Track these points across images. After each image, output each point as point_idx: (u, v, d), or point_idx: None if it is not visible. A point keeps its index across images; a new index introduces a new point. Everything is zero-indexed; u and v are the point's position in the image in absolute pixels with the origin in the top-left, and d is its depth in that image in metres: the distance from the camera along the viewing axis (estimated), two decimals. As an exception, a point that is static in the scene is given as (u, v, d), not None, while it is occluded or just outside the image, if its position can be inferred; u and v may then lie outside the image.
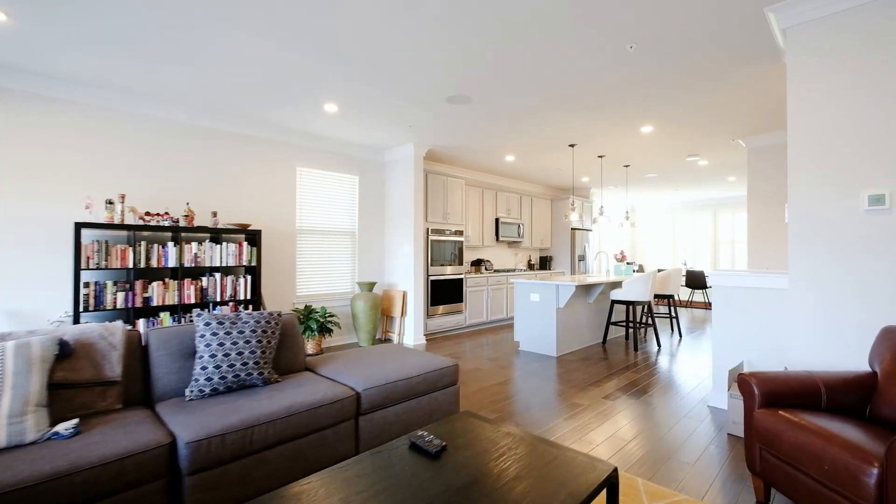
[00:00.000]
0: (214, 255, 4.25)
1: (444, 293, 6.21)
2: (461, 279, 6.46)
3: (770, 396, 2.02)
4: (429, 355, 3.00)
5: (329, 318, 5.23)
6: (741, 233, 10.30)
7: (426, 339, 5.93)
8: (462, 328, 6.56)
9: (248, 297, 4.47)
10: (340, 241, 5.76)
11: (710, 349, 5.41)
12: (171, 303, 4.01)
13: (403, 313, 5.78)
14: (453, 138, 5.38)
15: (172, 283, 4.02)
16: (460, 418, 2.12)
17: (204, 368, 2.23)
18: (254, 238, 4.56)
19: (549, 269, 8.58)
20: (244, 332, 2.38)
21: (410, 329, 5.72)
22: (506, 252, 8.26)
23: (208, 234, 4.40)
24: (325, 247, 5.60)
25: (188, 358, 2.34)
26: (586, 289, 5.46)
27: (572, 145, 5.67)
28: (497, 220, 7.54)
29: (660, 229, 11.63)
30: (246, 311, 2.65)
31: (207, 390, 2.20)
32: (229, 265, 4.34)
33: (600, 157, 6.32)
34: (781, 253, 5.09)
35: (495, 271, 7.38)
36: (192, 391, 2.19)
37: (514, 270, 7.69)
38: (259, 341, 2.41)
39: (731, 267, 10.40)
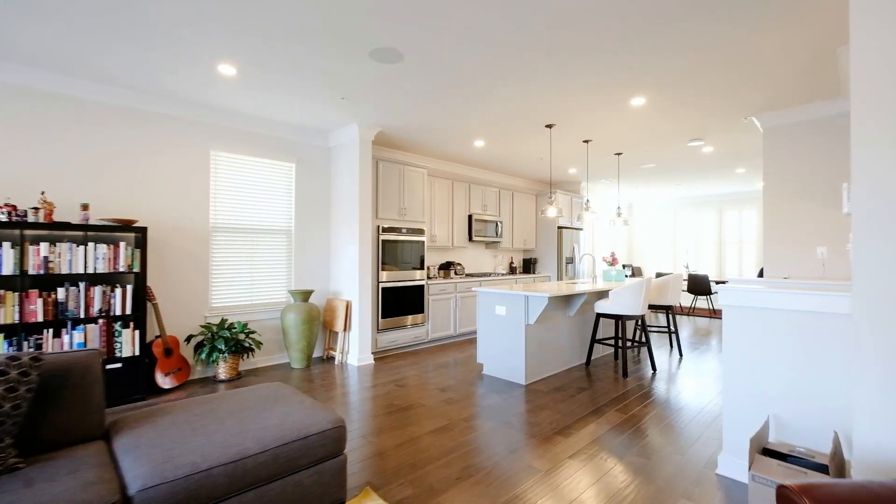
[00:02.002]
0: (77, 258, 3.29)
1: (400, 302, 5.24)
2: (422, 286, 5.49)
3: (846, 544, 1.04)
4: (310, 410, 2.03)
5: (249, 335, 4.28)
6: (749, 233, 9.30)
7: (374, 359, 4.97)
8: (423, 343, 5.59)
9: (129, 311, 3.52)
10: (272, 242, 4.80)
11: (717, 372, 4.43)
12: (8, 321, 3.05)
13: (347, 327, 4.81)
14: (403, 116, 4.41)
15: (11, 296, 3.07)
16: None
17: None
18: (139, 237, 3.60)
19: (533, 273, 7.60)
20: (-61, 393, 1.42)
21: (355, 346, 4.76)
22: (482, 254, 7.29)
23: (79, 233, 3.45)
24: (251, 248, 4.64)
25: None
26: (565, 300, 4.49)
27: (549, 126, 4.69)
28: (470, 217, 6.57)
29: (660, 229, 10.63)
30: (-41, 356, 1.66)
31: None
32: (100, 271, 3.38)
33: (586, 142, 5.35)
34: (807, 255, 4.10)
35: (467, 275, 6.41)
36: None
37: (490, 275, 6.72)
38: (-29, 407, 1.44)
39: (738, 271, 9.40)
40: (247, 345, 4.17)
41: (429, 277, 5.92)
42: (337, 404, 3.49)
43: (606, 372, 4.45)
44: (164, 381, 3.79)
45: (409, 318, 5.34)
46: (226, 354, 4.04)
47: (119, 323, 3.48)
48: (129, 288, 3.51)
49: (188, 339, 4.05)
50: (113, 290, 3.45)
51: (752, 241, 9.28)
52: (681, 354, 5.19)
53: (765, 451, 2.05)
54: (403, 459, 2.56)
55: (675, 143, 5.42)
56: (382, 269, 5.07)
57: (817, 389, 2.05)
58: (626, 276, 9.22)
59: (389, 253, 5.14)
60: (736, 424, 2.32)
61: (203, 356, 3.97)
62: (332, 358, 4.99)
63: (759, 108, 4.17)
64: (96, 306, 3.36)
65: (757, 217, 9.16)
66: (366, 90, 3.74)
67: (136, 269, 3.56)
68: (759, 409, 2.23)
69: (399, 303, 5.23)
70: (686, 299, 10.03)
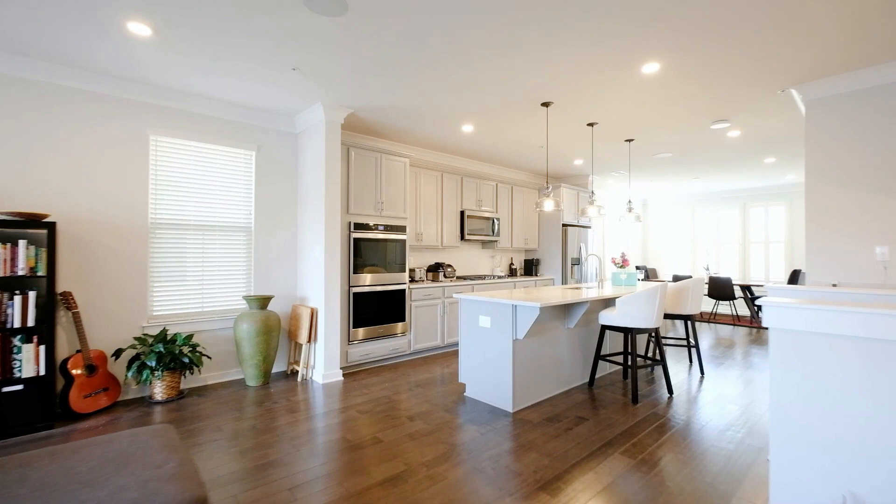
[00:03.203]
0: (-39, 259, 2.72)
1: (377, 310, 4.60)
2: (403, 290, 4.83)
3: None
4: (160, 483, 1.40)
5: (194, 348, 3.68)
6: (777, 232, 8.44)
7: (343, 375, 4.33)
8: (403, 356, 4.94)
9: (32, 322, 2.93)
10: (228, 240, 4.20)
11: (747, 394, 3.68)
12: None
13: (312, 338, 4.19)
14: (373, 94, 3.77)
15: None
16: None
17: None
18: (48, 234, 3.02)
19: (536, 276, 6.89)
20: None
21: (321, 360, 4.13)
22: (478, 254, 6.61)
23: (-29, 228, 2.89)
24: (201, 248, 4.04)
25: None
26: (563, 309, 3.79)
27: (546, 104, 4.00)
28: (463, 213, 5.90)
29: (676, 227, 9.81)
30: None
31: None
32: (-8, 275, 2.81)
33: (591, 125, 4.63)
34: (862, 255, 3.33)
35: (458, 278, 5.74)
36: None
37: (485, 277, 6.04)
38: None
39: (764, 274, 8.54)
40: (188, 359, 3.57)
41: (413, 281, 5.27)
42: (275, 437, 2.85)
43: (613, 395, 3.73)
44: (82, 404, 3.21)
45: (387, 328, 4.69)
46: (160, 372, 3.45)
47: (19, 337, 2.90)
48: (32, 295, 2.93)
49: (116, 353, 3.46)
50: (11, 298, 2.87)
51: (779, 240, 8.41)
52: (702, 372, 4.43)
53: (843, 556, 1.34)
54: (328, 530, 1.90)
55: (695, 126, 4.67)
56: (355, 272, 4.43)
57: (929, 466, 1.33)
58: (639, 279, 8.41)
59: (363, 253, 4.50)
60: (788, 500, 1.61)
61: (131, 374, 3.38)
62: (297, 373, 4.37)
63: (799, 78, 3.42)
64: (-14, 317, 2.79)
65: (786, 214, 8.30)
66: (317, 57, 3.10)
67: (42, 273, 2.98)
68: (826, 482, 1.52)
69: (375, 310, 4.59)
70: (706, 304, 9.19)
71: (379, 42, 2.88)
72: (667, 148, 5.57)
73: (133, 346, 3.50)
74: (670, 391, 3.78)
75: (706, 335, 6.58)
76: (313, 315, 4.19)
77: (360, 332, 4.47)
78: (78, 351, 3.29)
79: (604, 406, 3.47)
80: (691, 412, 3.35)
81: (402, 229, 4.85)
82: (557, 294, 3.73)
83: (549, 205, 4.01)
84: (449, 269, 5.68)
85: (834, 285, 3.39)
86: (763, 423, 3.12)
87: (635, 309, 3.56)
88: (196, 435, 2.90)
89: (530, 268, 7.11)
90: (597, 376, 4.25)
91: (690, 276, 8.12)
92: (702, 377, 4.29)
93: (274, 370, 4.43)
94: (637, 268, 9.35)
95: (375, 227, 4.61)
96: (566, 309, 3.82)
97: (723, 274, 9.05)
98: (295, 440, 2.83)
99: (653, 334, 4.43)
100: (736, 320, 7.88)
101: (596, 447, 2.74)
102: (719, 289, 7.69)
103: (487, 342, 3.53)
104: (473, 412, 3.33)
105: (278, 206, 4.49)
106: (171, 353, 3.49)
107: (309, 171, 4.39)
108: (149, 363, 3.36)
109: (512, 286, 6.18)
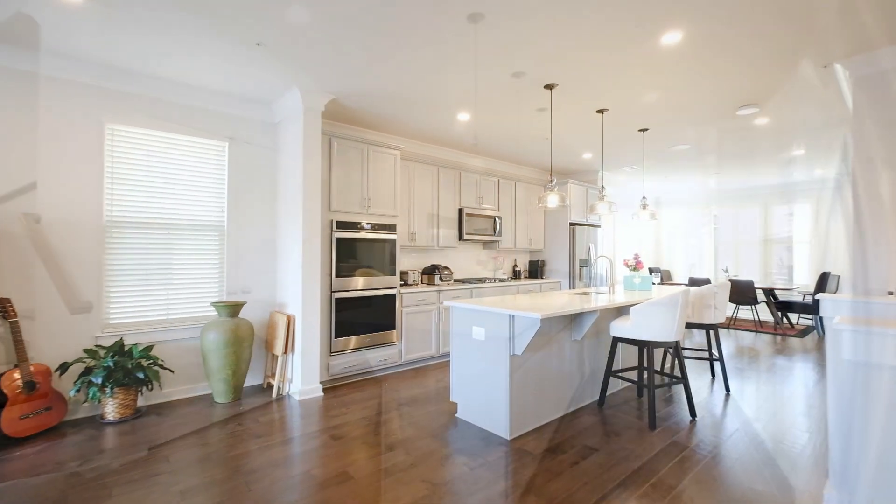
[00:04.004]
0: None
1: (363, 317, 4.17)
2: (393, 295, 4.40)
3: None
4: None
5: (154, 361, 3.28)
6: (802, 231, 7.85)
7: (324, 389, 3.89)
8: (393, 367, 4.49)
9: (-47, 335, 2.55)
10: (197, 241, 3.81)
11: (781, 417, 3.18)
12: None
13: (288, 349, 3.77)
14: (353, 78, 3.33)
15: None
16: None
17: None
18: (-27, 233, 2.64)
19: (541, 279, 6.42)
20: None
21: (298, 373, 3.71)
22: (478, 256, 6.14)
23: None
24: (166, 249, 3.65)
25: None
26: (569, 319, 3.32)
27: (550, 86, 3.54)
28: (461, 211, 5.45)
29: (692, 227, 9.25)
30: None
31: None
32: None
33: (600, 111, 4.16)
34: (926, 261, 2.81)
35: (456, 281, 5.29)
36: None
37: (486, 280, 5.58)
38: None
39: (787, 277, 7.96)
40: (143, 374, 3.16)
41: (406, 284, 4.83)
42: (228, 470, 2.42)
43: (626, 418, 3.26)
44: (18, 426, 2.82)
45: (375, 337, 4.25)
46: (110, 389, 3.04)
47: (-64, 351, 2.52)
48: (-47, 303, 2.55)
49: (62, 368, 3.07)
50: (-73, 307, 2.49)
51: (805, 241, 7.83)
52: (727, 389, 3.92)
53: None
54: None
55: (719, 112, 4.17)
56: (338, 276, 4.00)
57: None
58: (654, 283, 7.89)
59: (348, 255, 4.07)
60: None
61: (74, 392, 2.98)
62: (272, 387, 3.95)
63: (847, 50, 2.92)
64: None
65: (812, 213, 7.72)
66: (281, 30, 2.67)
67: (-36, 277, 2.59)
68: None
69: (361, 317, 4.16)
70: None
71: (353, 12, 2.44)
72: (684, 138, 5.07)
73: (82, 360, 3.10)
74: (693, 414, 3.29)
75: (726, 343, 6.04)
76: (290, 323, 3.77)
77: (344, 341, 4.04)
78: (15, 366, 2.90)
79: (616, 432, 2.99)
80: (719, 441, 2.86)
81: (392, 228, 4.42)
82: (562, 302, 3.26)
83: (553, 200, 3.55)
84: (445, 272, 5.23)
85: (890, 293, 2.88)
86: (806, 458, 2.62)
87: (652, 319, 3.08)
88: (136, 468, 2.49)
89: (535, 270, 6.63)
90: (608, 394, 3.77)
91: (708, 279, 7.58)
92: (727, 395, 3.79)
93: (249, 383, 4.02)
94: (650, 270, 8.82)
95: (362, 226, 4.18)
96: (573, 318, 3.35)
97: (743, 276, 8.48)
98: (250, 475, 2.40)
99: (672, 347, 3.95)
100: (758, 326, 7.31)
101: (607, 489, 2.27)
102: (740, 292, 7.12)
103: (481, 357, 3.08)
104: (464, 439, 2.88)
105: (255, 202, 4.08)
106: (124, 367, 3.10)
107: (288, 165, 3.97)
108: (95, 380, 2.96)
109: (515, 290, 5.71)
